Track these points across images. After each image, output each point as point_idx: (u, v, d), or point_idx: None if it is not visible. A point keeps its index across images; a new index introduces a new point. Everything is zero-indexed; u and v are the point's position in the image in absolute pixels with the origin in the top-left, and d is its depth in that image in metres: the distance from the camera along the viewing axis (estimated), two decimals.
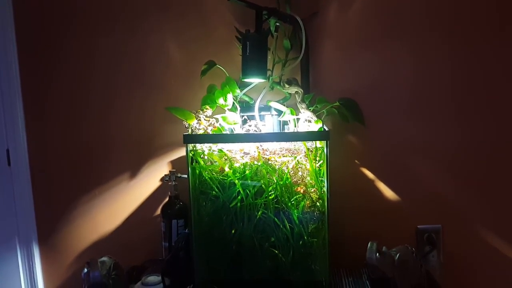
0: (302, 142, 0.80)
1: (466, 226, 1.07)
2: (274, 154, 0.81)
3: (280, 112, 0.95)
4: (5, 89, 1.15)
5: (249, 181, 0.82)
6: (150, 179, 1.14)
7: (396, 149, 1.07)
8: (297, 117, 0.91)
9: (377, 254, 0.74)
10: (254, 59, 0.85)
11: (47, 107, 1.16)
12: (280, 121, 0.97)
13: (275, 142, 0.82)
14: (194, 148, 0.83)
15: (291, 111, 0.91)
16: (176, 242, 0.94)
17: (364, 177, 1.08)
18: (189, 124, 0.84)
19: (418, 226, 1.09)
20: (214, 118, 0.88)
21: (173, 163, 1.13)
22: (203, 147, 0.84)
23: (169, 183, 1.06)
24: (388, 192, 1.08)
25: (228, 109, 0.92)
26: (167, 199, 1.08)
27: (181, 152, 1.13)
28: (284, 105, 0.94)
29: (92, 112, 1.15)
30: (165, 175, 1.07)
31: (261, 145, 0.80)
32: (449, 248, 1.08)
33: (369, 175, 1.08)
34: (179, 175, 1.06)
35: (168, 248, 1.04)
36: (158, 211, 1.13)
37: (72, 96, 1.15)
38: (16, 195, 1.18)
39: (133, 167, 1.14)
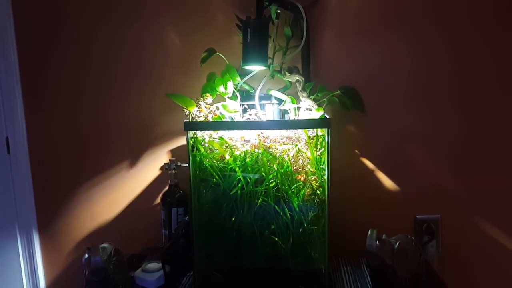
0: (303, 129, 0.79)
1: (465, 217, 1.07)
2: (275, 142, 0.81)
3: (280, 101, 0.95)
4: (3, 77, 1.14)
5: (249, 173, 0.82)
6: (150, 167, 1.14)
7: (396, 139, 1.07)
8: (298, 105, 0.91)
9: (377, 241, 0.74)
10: (255, 45, 0.85)
11: (46, 95, 1.16)
12: (280, 110, 0.96)
13: (276, 130, 0.81)
14: (195, 136, 0.82)
15: (291, 99, 0.90)
16: (176, 230, 0.94)
17: (363, 167, 1.08)
18: (189, 112, 0.83)
19: (417, 216, 1.09)
20: (215, 106, 0.87)
21: (173, 152, 1.13)
22: (204, 135, 0.83)
23: (169, 172, 1.06)
24: (387, 182, 1.08)
25: (228, 97, 0.92)
26: (167, 187, 1.08)
27: (181, 141, 1.12)
28: (285, 94, 0.94)
29: (91, 100, 1.14)
30: (165, 163, 1.07)
31: (262, 133, 0.80)
32: (447, 239, 1.08)
33: (368, 165, 1.08)
34: (179, 163, 1.06)
35: (168, 236, 1.04)
36: (158, 200, 1.13)
37: (72, 84, 1.14)
38: (15, 183, 1.18)
39: (133, 155, 1.14)
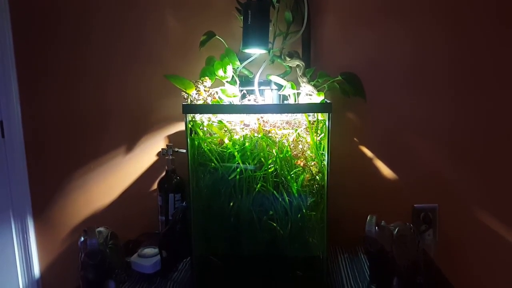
0: (304, 114, 0.78)
1: (462, 206, 1.07)
2: (274, 126, 0.80)
3: (280, 87, 0.93)
4: None
5: (247, 165, 0.81)
6: (147, 153, 1.13)
7: (395, 127, 1.06)
8: (298, 91, 0.89)
9: (376, 227, 0.74)
10: (256, 28, 0.83)
11: (42, 79, 1.14)
12: (280, 95, 0.95)
13: (275, 114, 0.80)
14: (193, 119, 0.81)
15: (291, 85, 0.89)
16: (174, 215, 0.93)
17: (362, 155, 1.08)
18: (188, 94, 0.82)
19: (415, 205, 1.09)
20: (214, 90, 0.86)
21: (170, 137, 1.12)
22: (203, 118, 0.82)
23: (166, 157, 1.05)
24: (385, 170, 1.08)
25: (227, 81, 0.90)
26: (164, 173, 1.07)
27: (178, 127, 1.11)
28: (285, 80, 0.92)
29: (88, 84, 1.12)
30: (162, 149, 1.06)
31: (261, 117, 0.79)
32: (445, 228, 1.08)
33: (367, 153, 1.08)
34: (176, 149, 1.05)
35: (165, 222, 1.03)
36: (155, 186, 1.12)
37: (68, 67, 1.12)
38: (10, 168, 1.16)
39: (130, 141, 1.13)
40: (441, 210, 1.08)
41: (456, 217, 1.08)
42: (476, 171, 1.06)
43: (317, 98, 0.83)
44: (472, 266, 1.09)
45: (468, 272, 1.09)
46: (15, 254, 1.19)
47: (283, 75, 0.97)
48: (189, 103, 0.82)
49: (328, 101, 0.81)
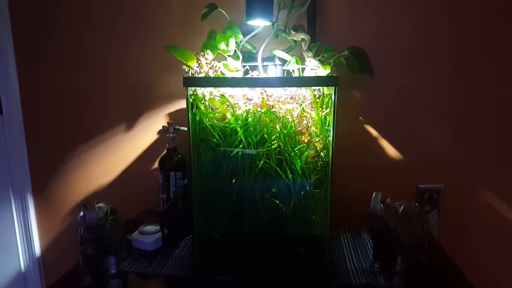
0: (309, 88, 0.76)
1: (467, 187, 1.06)
2: (278, 101, 0.78)
3: (284, 62, 0.90)
4: None
5: (246, 150, 0.79)
6: (148, 131, 1.11)
7: (400, 106, 1.04)
8: (303, 66, 0.87)
9: (381, 204, 0.72)
10: None
11: (41, 53, 1.11)
12: (284, 71, 0.93)
13: (279, 89, 0.78)
14: (195, 93, 0.79)
15: (296, 60, 0.86)
16: (175, 192, 0.92)
17: (367, 133, 1.06)
18: (189, 67, 0.79)
19: (419, 186, 1.07)
20: (216, 62, 0.83)
21: (171, 115, 1.10)
22: (204, 92, 0.80)
23: (167, 135, 1.03)
24: (390, 150, 1.06)
25: (229, 55, 0.87)
26: (165, 151, 1.05)
27: (179, 105, 1.09)
28: (289, 55, 0.90)
29: (88, 59, 1.10)
30: (163, 126, 1.04)
31: (265, 91, 0.77)
32: (449, 209, 1.07)
33: (371, 132, 1.05)
34: (177, 127, 1.03)
35: (166, 200, 1.02)
36: (155, 165, 1.11)
37: (68, 42, 1.10)
38: (8, 145, 1.15)
39: (130, 118, 1.11)
40: (446, 191, 1.06)
41: (461, 198, 1.06)
42: (483, 152, 1.04)
43: (323, 72, 0.80)
44: (476, 248, 1.08)
45: (473, 254, 1.08)
46: (15, 232, 1.18)
47: (287, 50, 0.94)
48: (190, 75, 0.79)
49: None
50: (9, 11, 1.10)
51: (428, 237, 0.86)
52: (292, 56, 0.88)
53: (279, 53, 0.90)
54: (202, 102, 0.80)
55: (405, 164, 1.06)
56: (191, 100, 0.78)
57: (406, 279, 0.75)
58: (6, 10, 1.10)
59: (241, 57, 0.90)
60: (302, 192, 0.80)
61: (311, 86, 0.74)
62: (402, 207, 0.76)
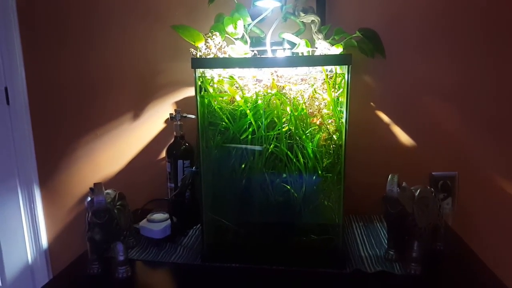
0: (321, 68, 0.73)
1: (482, 174, 1.03)
2: (289, 82, 0.75)
3: (293, 46, 0.88)
4: (1, 25, 1.08)
5: (261, 119, 0.76)
6: (155, 119, 1.09)
7: (413, 91, 1.01)
8: (313, 49, 0.84)
9: (398, 188, 0.70)
10: None
11: (46, 43, 1.10)
12: (293, 54, 0.90)
13: (290, 69, 0.76)
14: (203, 75, 0.77)
15: (305, 42, 0.84)
16: (183, 179, 0.90)
17: (378, 119, 1.03)
18: (196, 49, 0.77)
19: (433, 173, 1.04)
20: (224, 43, 0.81)
21: (178, 103, 1.08)
22: (213, 74, 0.78)
23: (175, 123, 1.01)
24: (402, 136, 1.03)
25: (237, 38, 0.85)
26: (172, 139, 1.03)
27: (186, 93, 1.07)
28: (299, 38, 0.87)
29: (93, 48, 1.09)
30: (170, 114, 1.02)
31: (275, 71, 0.74)
32: (463, 197, 1.04)
33: (383, 118, 1.03)
34: (184, 114, 1.01)
35: (174, 188, 1.00)
36: (163, 154, 1.09)
37: (74, 31, 1.08)
38: (15, 135, 1.14)
39: (137, 106, 1.09)
40: (460, 178, 1.04)
41: (476, 186, 1.03)
42: (499, 138, 1.01)
43: (335, 51, 0.78)
44: (492, 237, 1.05)
45: (489, 243, 1.04)
46: (22, 222, 1.17)
47: (296, 34, 0.92)
48: (198, 56, 0.77)
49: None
50: (16, 5, 1.09)
51: (443, 223, 0.84)
52: (301, 39, 0.85)
53: (288, 36, 0.88)
54: (210, 84, 0.78)
55: (418, 150, 1.03)
56: (199, 83, 0.76)
57: (423, 266, 0.72)
58: (13, 3, 1.09)
59: (249, 41, 0.88)
60: (314, 177, 0.78)
61: (323, 65, 0.72)
62: (418, 190, 0.74)
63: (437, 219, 0.80)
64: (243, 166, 0.80)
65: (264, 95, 0.76)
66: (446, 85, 1.00)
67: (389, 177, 0.70)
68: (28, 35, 1.10)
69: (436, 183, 1.04)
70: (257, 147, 0.78)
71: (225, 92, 0.79)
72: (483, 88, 0.99)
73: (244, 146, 0.78)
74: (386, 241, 0.83)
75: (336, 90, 0.74)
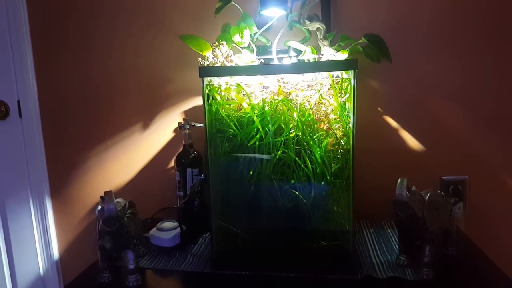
0: (328, 73, 0.74)
1: (493, 178, 1.01)
2: (295, 88, 0.76)
3: (299, 53, 0.89)
4: (15, 41, 1.11)
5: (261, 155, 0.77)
6: (164, 129, 1.11)
7: (420, 95, 1.01)
8: (319, 55, 0.85)
9: (407, 192, 0.69)
10: None
11: (56, 56, 1.13)
12: (299, 61, 0.91)
13: (296, 75, 0.76)
14: (210, 83, 0.78)
15: (311, 49, 0.85)
16: (192, 187, 0.90)
17: (386, 124, 1.03)
18: (204, 59, 0.78)
19: (443, 177, 1.03)
20: (231, 51, 0.82)
21: (187, 113, 1.09)
22: (220, 82, 0.79)
23: (183, 132, 1.02)
24: (411, 141, 1.03)
25: (244, 47, 0.87)
26: (181, 148, 1.04)
27: (194, 102, 1.08)
28: (304, 46, 0.88)
29: (103, 61, 1.11)
30: (179, 123, 1.03)
31: (282, 78, 0.75)
32: (475, 201, 1.03)
33: (391, 123, 1.03)
34: (193, 123, 1.02)
35: (183, 197, 1.01)
36: (172, 162, 1.10)
37: (83, 43, 1.11)
38: (27, 147, 1.16)
39: (146, 117, 1.11)
40: (471, 182, 1.02)
41: (488, 190, 1.02)
42: (509, 140, 0.99)
43: (341, 57, 0.79)
44: (505, 241, 1.03)
45: (502, 247, 1.03)
46: (34, 234, 1.18)
47: (302, 41, 0.93)
48: (205, 65, 0.79)
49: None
50: (28, 21, 1.12)
51: (455, 228, 0.82)
52: (307, 46, 0.86)
53: (294, 43, 0.89)
54: (218, 92, 0.79)
55: (426, 154, 1.03)
56: (207, 91, 0.77)
57: (435, 271, 0.71)
58: (26, 19, 1.12)
59: (255, 50, 0.90)
60: (323, 182, 0.77)
61: (329, 71, 0.72)
62: (428, 194, 0.73)
63: (448, 223, 0.79)
64: (251, 172, 0.80)
65: (271, 101, 0.77)
66: (453, 88, 0.99)
67: (399, 181, 0.70)
68: (39, 49, 1.13)
69: (447, 187, 1.03)
70: (265, 156, 0.78)
71: (232, 99, 0.80)
72: (490, 89, 0.98)
73: (252, 155, 0.78)
74: (397, 247, 0.82)
75: (342, 96, 0.75)
